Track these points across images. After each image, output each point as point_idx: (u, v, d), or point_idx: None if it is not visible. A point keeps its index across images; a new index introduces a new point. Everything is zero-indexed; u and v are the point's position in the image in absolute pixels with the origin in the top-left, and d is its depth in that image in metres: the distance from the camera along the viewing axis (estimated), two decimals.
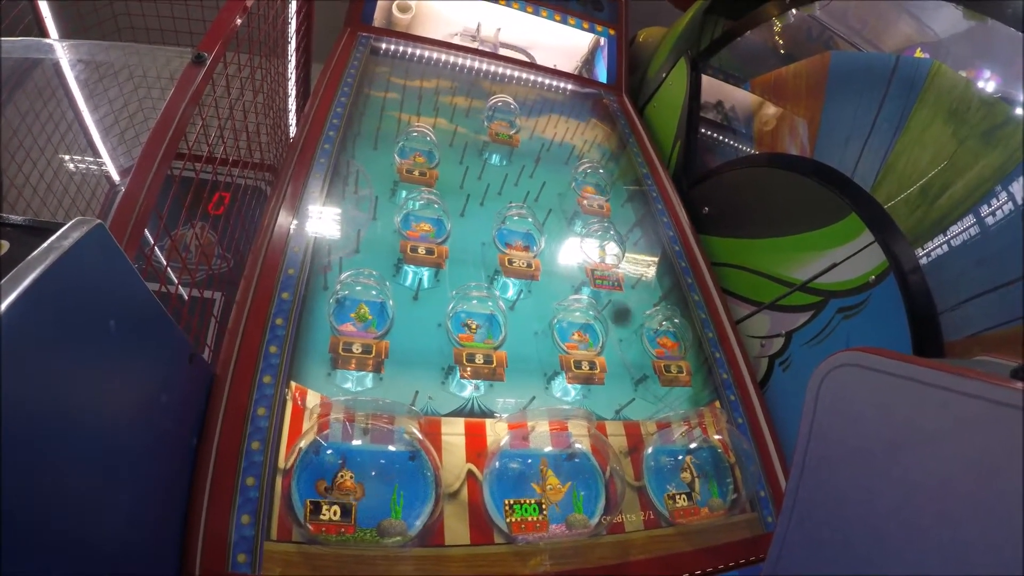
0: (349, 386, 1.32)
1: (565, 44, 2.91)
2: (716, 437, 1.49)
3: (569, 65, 2.96)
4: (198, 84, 1.25)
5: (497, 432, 1.33)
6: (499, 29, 2.79)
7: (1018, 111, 1.48)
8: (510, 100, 2.28)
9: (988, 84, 1.63)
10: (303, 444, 1.13)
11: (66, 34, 2.36)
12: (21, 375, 0.56)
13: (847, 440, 0.81)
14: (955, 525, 0.68)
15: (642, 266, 1.92)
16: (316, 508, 1.07)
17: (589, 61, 2.94)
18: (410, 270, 1.58)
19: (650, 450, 1.43)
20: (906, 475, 0.73)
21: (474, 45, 2.67)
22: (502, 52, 2.73)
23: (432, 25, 2.73)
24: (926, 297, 1.44)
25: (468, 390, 1.41)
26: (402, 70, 2.30)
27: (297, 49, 2.36)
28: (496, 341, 1.49)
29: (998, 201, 1.37)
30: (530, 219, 1.84)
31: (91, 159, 2.37)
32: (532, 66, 2.62)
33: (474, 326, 1.50)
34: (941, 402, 0.69)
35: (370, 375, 1.34)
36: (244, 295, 1.32)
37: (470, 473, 1.24)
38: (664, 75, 2.62)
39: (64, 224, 0.66)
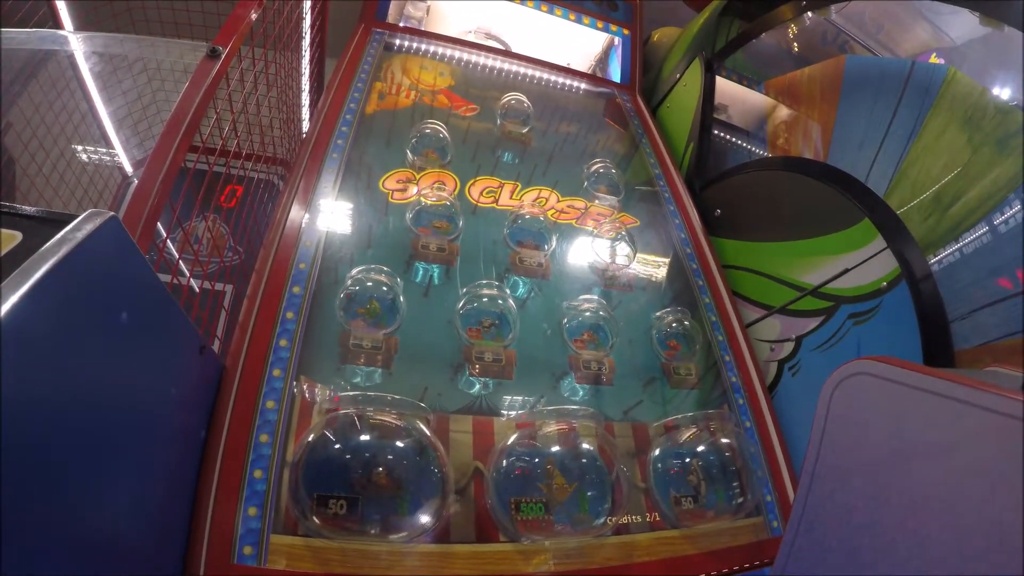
0: (358, 381, 1.32)
1: (574, 43, 2.91)
2: (724, 440, 1.48)
3: (577, 64, 2.95)
4: (212, 78, 1.25)
5: (505, 431, 1.33)
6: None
7: None
8: (523, 98, 2.28)
9: (1004, 91, 1.62)
10: (311, 438, 1.13)
11: (81, 26, 2.37)
12: (32, 366, 0.56)
13: (858, 449, 0.80)
14: (962, 537, 0.67)
15: (653, 267, 1.92)
16: (323, 502, 1.07)
17: (603, 60, 2.93)
18: (421, 267, 1.58)
19: (657, 452, 1.42)
20: (915, 486, 0.73)
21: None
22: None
23: (446, 22, 2.74)
24: (938, 305, 1.43)
25: (477, 388, 1.41)
26: (416, 66, 2.30)
27: (311, 44, 2.37)
28: (506, 340, 1.49)
29: (1011, 210, 1.36)
30: (542, 218, 1.84)
31: (104, 150, 2.39)
32: (546, 64, 2.61)
33: (487, 323, 1.50)
34: (953, 414, 0.69)
35: (379, 371, 1.34)
36: (255, 288, 1.32)
37: (477, 471, 1.25)
38: (678, 76, 2.61)
39: (77, 216, 0.66)
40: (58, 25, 2.31)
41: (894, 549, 0.74)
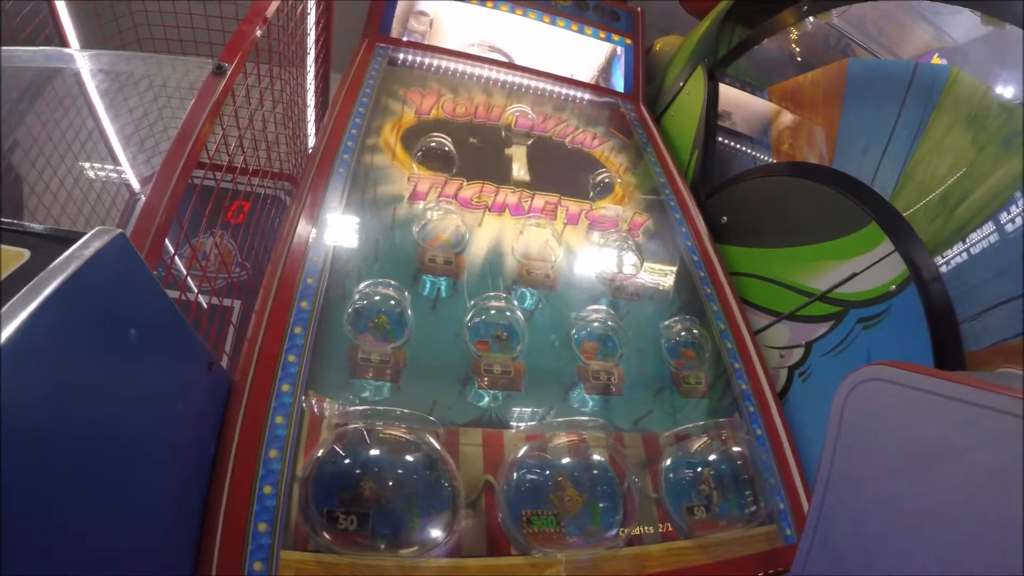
0: (367, 395, 1.32)
1: (577, 54, 2.92)
2: (735, 449, 1.47)
3: (580, 74, 2.96)
4: (218, 95, 1.25)
5: (514, 443, 1.33)
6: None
7: None
8: (527, 110, 2.28)
9: (1007, 90, 1.61)
10: (320, 453, 1.13)
11: (87, 44, 2.38)
12: (40, 383, 0.56)
13: (872, 456, 0.80)
14: (979, 543, 0.67)
15: (660, 276, 1.91)
16: (333, 517, 1.06)
17: (606, 70, 2.94)
18: (428, 280, 1.58)
19: (668, 462, 1.42)
20: (931, 491, 0.72)
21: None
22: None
23: (449, 35, 2.75)
24: (947, 307, 1.42)
25: (486, 400, 1.40)
26: (420, 80, 2.31)
27: (316, 60, 2.38)
28: (514, 351, 1.48)
29: (1018, 208, 1.35)
30: (548, 229, 1.84)
31: (111, 168, 2.40)
32: (550, 76, 2.62)
33: (504, 336, 1.50)
34: (968, 417, 0.68)
35: (388, 385, 1.34)
36: (263, 304, 1.33)
37: (487, 484, 1.24)
38: (681, 84, 2.61)
39: (85, 233, 0.66)
40: (64, 43, 2.32)
41: (910, 557, 0.73)
